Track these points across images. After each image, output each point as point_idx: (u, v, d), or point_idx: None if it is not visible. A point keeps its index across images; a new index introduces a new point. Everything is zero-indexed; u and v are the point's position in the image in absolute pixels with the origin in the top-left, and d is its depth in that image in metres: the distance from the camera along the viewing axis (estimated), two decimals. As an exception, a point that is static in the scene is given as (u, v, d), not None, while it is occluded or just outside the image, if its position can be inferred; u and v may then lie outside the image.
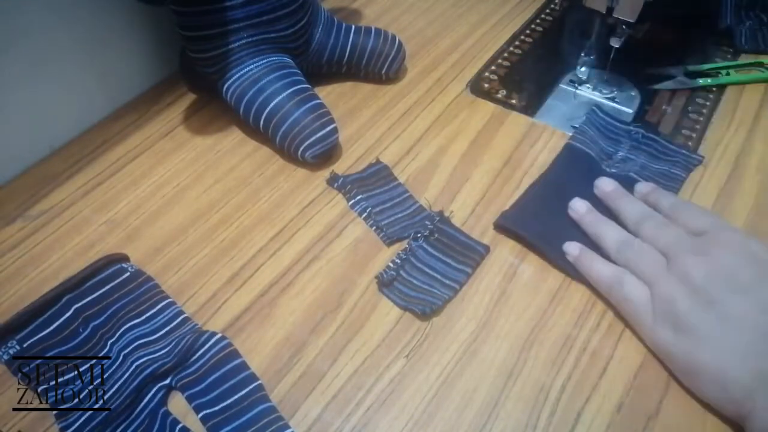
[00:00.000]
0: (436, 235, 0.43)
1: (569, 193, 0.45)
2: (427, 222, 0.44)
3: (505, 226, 0.43)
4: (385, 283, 0.41)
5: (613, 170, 0.47)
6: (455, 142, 0.51)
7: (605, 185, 0.45)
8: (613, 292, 0.38)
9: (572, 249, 0.41)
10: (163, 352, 0.37)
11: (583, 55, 0.54)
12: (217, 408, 0.35)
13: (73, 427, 0.34)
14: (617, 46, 0.52)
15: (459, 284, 0.41)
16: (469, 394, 0.36)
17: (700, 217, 0.39)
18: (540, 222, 0.43)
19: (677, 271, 0.36)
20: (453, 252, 0.42)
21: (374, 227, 0.44)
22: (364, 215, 0.45)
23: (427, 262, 0.42)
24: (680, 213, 0.40)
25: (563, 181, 0.46)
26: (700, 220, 0.39)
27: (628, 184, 0.45)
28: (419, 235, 0.43)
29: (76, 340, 0.38)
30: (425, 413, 0.35)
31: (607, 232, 0.41)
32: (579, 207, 0.43)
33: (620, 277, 0.38)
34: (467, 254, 0.42)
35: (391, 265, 0.41)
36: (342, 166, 0.49)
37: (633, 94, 0.56)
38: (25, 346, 0.37)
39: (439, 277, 0.41)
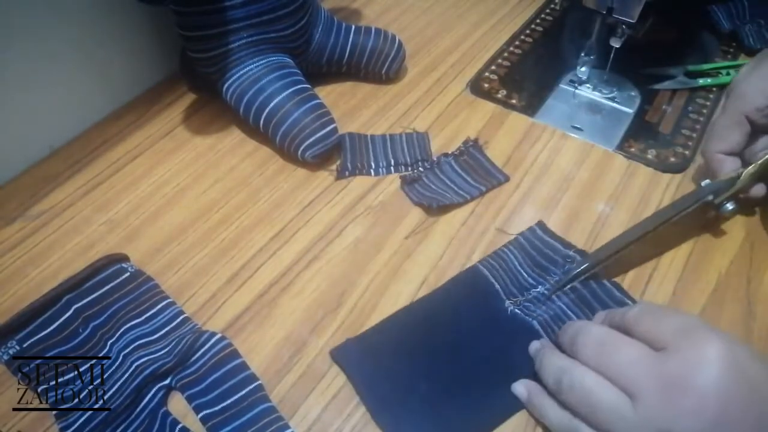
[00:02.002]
0: (465, 157, 0.49)
1: (443, 331, 0.38)
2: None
3: (339, 361, 0.36)
4: (407, 182, 0.47)
5: (517, 311, 0.39)
6: (455, 142, 0.51)
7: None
8: None
9: (520, 391, 0.35)
10: (163, 352, 0.37)
11: (583, 55, 0.54)
12: (217, 408, 0.35)
13: (73, 427, 0.34)
14: (617, 46, 0.51)
15: (470, 195, 0.46)
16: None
17: (659, 322, 0.31)
18: (384, 365, 0.36)
19: (652, 424, 0.28)
20: (474, 173, 0.47)
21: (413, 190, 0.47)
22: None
23: (449, 176, 0.47)
24: (634, 322, 0.32)
25: (442, 313, 0.39)
26: (660, 327, 0.31)
27: (522, 335, 0.37)
28: (450, 153, 0.48)
29: (76, 340, 0.38)
30: (425, 413, 0.35)
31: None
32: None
33: (575, 429, 0.31)
34: (486, 177, 0.47)
35: (419, 170, 0.47)
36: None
37: (633, 94, 0.56)
38: (25, 346, 0.37)
39: (455, 188, 0.46)
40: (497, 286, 0.40)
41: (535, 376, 0.35)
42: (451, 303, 0.39)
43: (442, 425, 0.34)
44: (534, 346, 0.36)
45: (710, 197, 0.41)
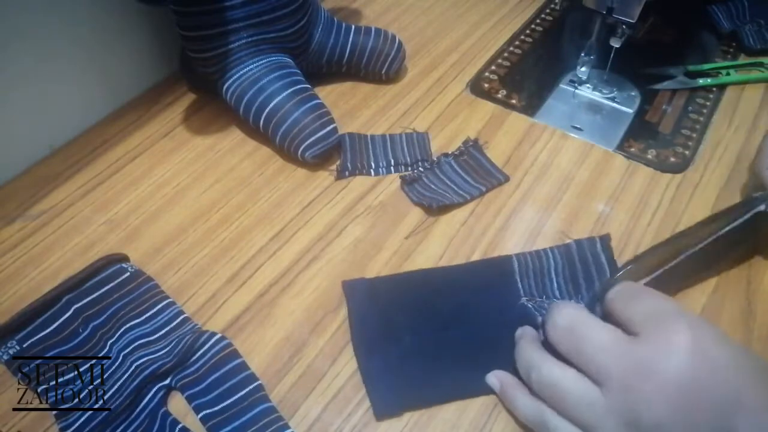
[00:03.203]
0: (465, 157, 0.48)
1: (449, 301, 0.39)
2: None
3: (345, 290, 0.39)
4: (407, 182, 0.46)
5: (528, 305, 0.39)
6: (455, 142, 0.51)
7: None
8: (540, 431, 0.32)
9: (493, 381, 0.35)
10: (163, 352, 0.37)
11: (583, 55, 0.54)
12: (217, 408, 0.35)
13: (73, 427, 0.34)
14: (617, 46, 0.52)
15: (470, 195, 0.46)
16: (466, 400, 0.36)
17: (632, 305, 0.31)
18: (382, 310, 0.38)
19: (619, 412, 0.28)
20: (475, 173, 0.47)
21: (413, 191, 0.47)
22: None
23: (449, 176, 0.47)
24: (611, 304, 0.32)
25: (457, 285, 0.40)
26: (633, 311, 0.31)
27: (528, 322, 0.37)
28: (450, 153, 0.48)
29: (76, 341, 0.38)
30: (425, 414, 0.35)
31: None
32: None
33: (543, 418, 0.31)
34: (486, 177, 0.47)
35: (419, 170, 0.47)
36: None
37: (633, 94, 0.56)
38: (25, 346, 0.37)
39: (455, 188, 0.46)
40: (520, 284, 0.40)
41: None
42: (468, 279, 0.40)
43: (412, 381, 0.35)
44: (518, 332, 0.36)
45: (762, 207, 0.39)
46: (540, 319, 0.38)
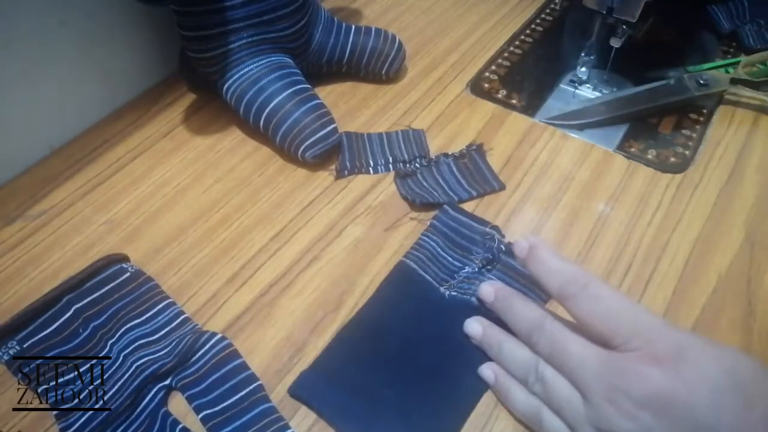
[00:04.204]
0: (465, 160, 0.48)
1: (390, 335, 0.38)
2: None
3: (299, 395, 0.35)
4: (401, 176, 0.47)
5: (453, 293, 0.39)
6: (455, 142, 0.51)
7: (486, 296, 0.37)
8: (533, 426, 0.33)
9: (487, 374, 0.35)
10: (163, 352, 0.37)
11: (583, 55, 0.54)
12: (217, 408, 0.35)
13: (74, 428, 0.34)
14: (617, 46, 0.52)
15: (459, 198, 0.45)
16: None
17: (612, 318, 0.30)
18: (344, 385, 0.35)
19: (599, 425, 0.29)
20: (471, 177, 0.47)
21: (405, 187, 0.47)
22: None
23: (444, 176, 0.47)
24: (581, 315, 0.32)
25: (384, 318, 0.39)
26: (607, 321, 0.30)
27: (465, 315, 0.38)
28: (451, 153, 0.48)
29: (76, 341, 0.38)
30: (425, 413, 0.35)
31: (512, 359, 0.35)
32: (474, 332, 0.37)
33: (538, 413, 0.32)
34: (481, 183, 0.47)
35: (415, 166, 0.47)
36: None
37: (633, 94, 0.56)
38: (25, 346, 0.37)
39: (445, 187, 0.46)
40: (428, 276, 0.41)
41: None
42: (391, 305, 0.39)
43: (419, 426, 0.34)
44: (474, 328, 0.37)
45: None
46: (473, 299, 0.39)
